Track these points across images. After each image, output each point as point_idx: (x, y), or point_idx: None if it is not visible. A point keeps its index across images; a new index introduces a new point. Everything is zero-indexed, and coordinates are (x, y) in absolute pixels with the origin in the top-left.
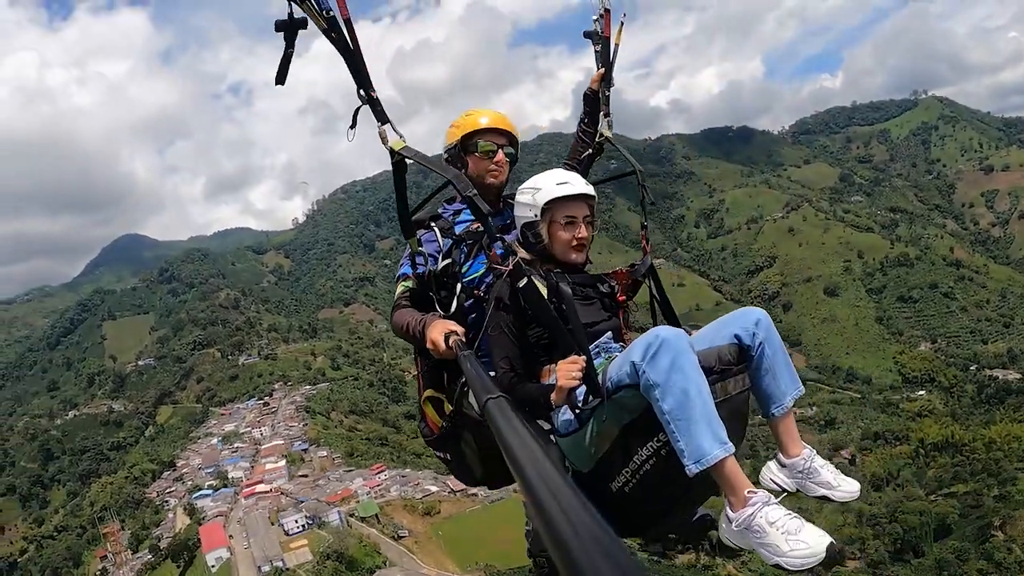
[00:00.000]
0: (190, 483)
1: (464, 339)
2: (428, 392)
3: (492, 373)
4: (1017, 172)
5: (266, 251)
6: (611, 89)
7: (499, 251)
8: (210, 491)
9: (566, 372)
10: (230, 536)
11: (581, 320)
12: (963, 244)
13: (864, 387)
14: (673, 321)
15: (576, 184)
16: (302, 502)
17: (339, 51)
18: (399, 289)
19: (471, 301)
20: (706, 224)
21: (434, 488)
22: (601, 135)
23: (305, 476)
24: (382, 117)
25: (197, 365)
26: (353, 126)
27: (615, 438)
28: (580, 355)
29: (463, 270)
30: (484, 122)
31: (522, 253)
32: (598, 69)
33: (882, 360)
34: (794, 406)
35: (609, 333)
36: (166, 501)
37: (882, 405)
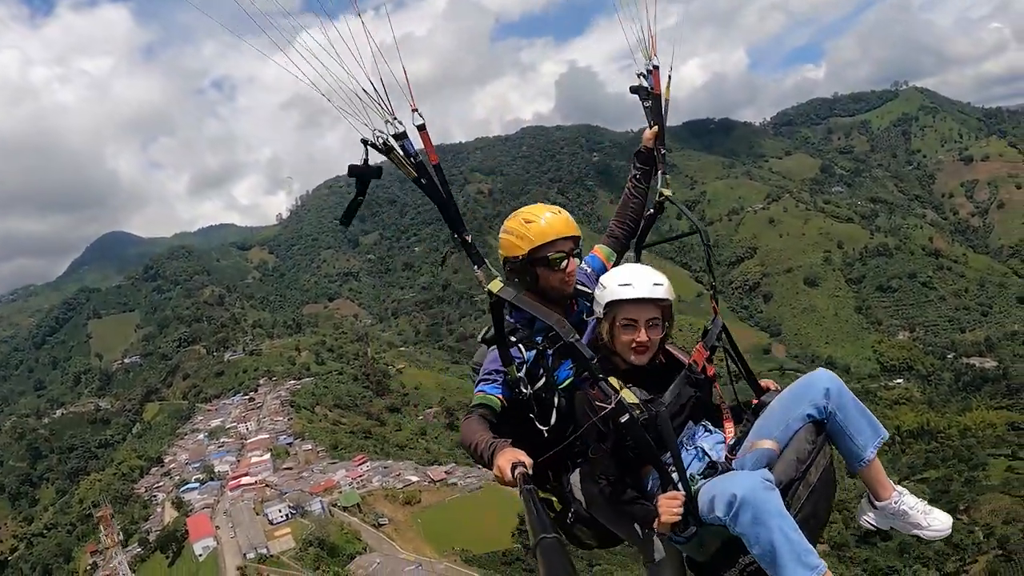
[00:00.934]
0: (177, 478)
1: (530, 471)
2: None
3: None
4: (996, 162)
5: (250, 247)
6: (664, 149)
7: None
8: (197, 484)
9: (667, 508)
10: (216, 527)
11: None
12: (942, 234)
13: (843, 376)
14: (752, 381)
15: (639, 287)
16: (286, 493)
17: (429, 196)
18: (476, 398)
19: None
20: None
21: (415, 478)
22: (660, 194)
23: (290, 468)
24: (477, 260)
25: (183, 362)
26: (362, 185)
27: (717, 547)
28: (679, 491)
29: (556, 378)
30: (552, 231)
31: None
32: (650, 127)
33: (861, 349)
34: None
35: (691, 424)
36: (154, 496)
37: (860, 393)
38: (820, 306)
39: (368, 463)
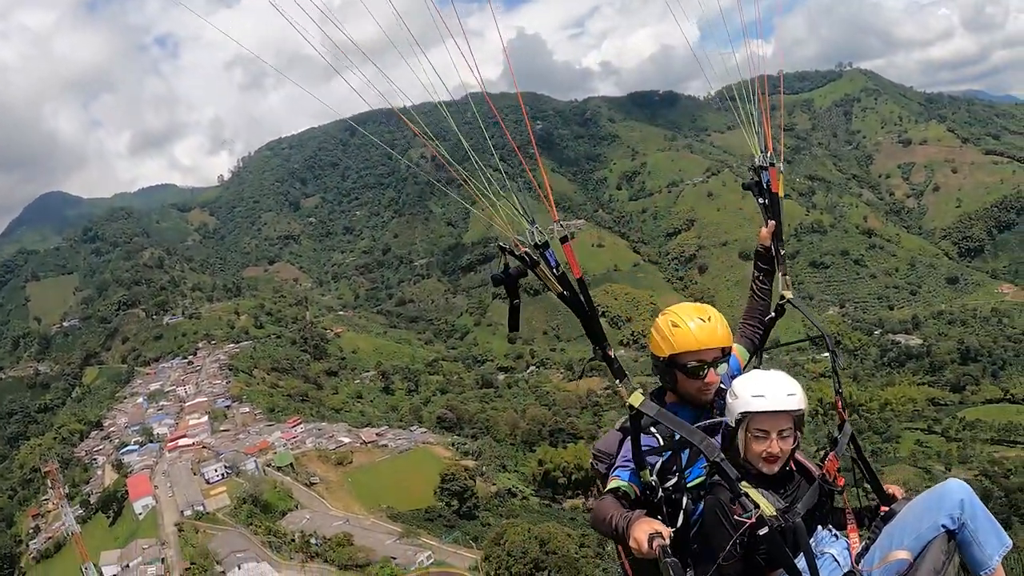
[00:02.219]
0: (117, 441)
1: (668, 542)
2: None
3: None
4: (934, 146)
5: (191, 209)
6: (783, 248)
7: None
8: (136, 447)
9: None
10: (155, 486)
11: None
12: (877, 214)
13: (772, 349)
14: (876, 485)
15: (773, 398)
16: (222, 454)
17: (573, 311)
18: (610, 484)
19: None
20: (628, 186)
21: (347, 439)
22: (782, 297)
23: (227, 431)
24: (619, 374)
25: (122, 325)
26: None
27: None
28: None
29: (688, 476)
30: (694, 341)
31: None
32: (766, 224)
33: (792, 323)
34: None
35: (818, 529)
36: (94, 459)
37: (788, 366)
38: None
39: (302, 425)
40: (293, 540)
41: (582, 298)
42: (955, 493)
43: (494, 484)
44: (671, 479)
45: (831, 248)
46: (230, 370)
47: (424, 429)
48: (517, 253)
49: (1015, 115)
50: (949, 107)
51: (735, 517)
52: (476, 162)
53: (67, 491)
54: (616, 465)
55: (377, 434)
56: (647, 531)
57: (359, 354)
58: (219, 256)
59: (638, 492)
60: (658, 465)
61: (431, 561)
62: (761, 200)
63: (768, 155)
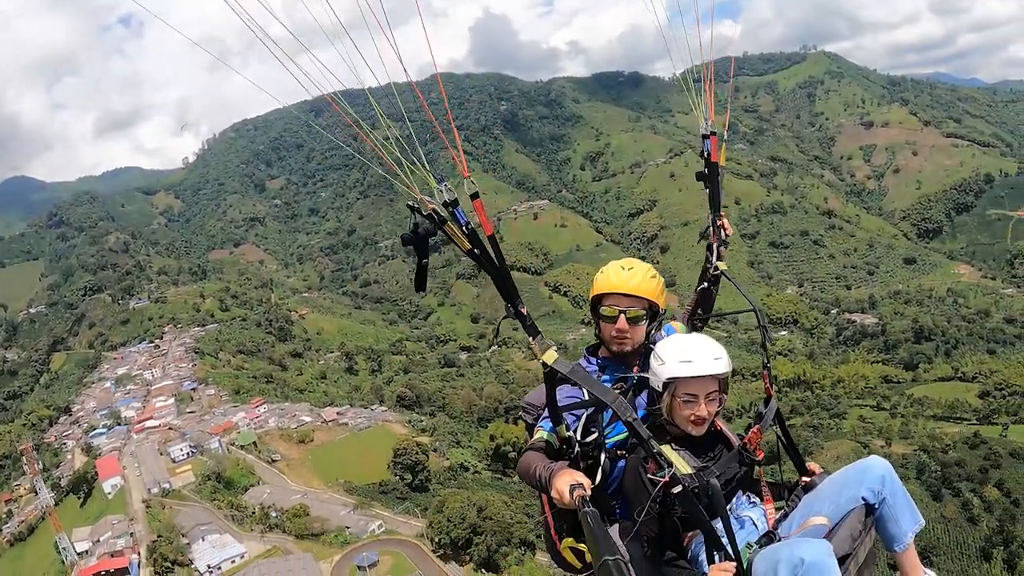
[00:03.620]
0: (86, 425)
1: (589, 493)
2: (569, 542)
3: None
4: (896, 128)
5: (156, 192)
6: (721, 219)
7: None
8: (104, 430)
9: None
10: (124, 467)
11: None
12: (838, 195)
13: (731, 327)
14: (797, 460)
15: (700, 363)
16: (187, 435)
17: (483, 268)
18: (536, 436)
19: (614, 461)
20: (591, 167)
21: (308, 419)
22: (716, 268)
23: (193, 412)
24: (532, 331)
25: (88, 311)
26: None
27: None
28: (731, 560)
29: (607, 433)
30: (609, 285)
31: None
32: (710, 210)
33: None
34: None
35: (738, 494)
36: (64, 444)
37: (746, 344)
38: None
39: (265, 406)
40: (253, 513)
41: (492, 255)
42: (876, 469)
43: (447, 459)
44: (592, 434)
45: (791, 228)
46: (196, 353)
47: (385, 408)
48: (425, 212)
49: (977, 99)
50: (912, 90)
51: (649, 476)
52: (385, 124)
53: (40, 466)
54: (542, 416)
55: (338, 413)
56: (568, 482)
57: (324, 335)
58: (185, 239)
59: (557, 444)
60: (582, 421)
61: (382, 530)
62: (706, 189)
63: (710, 123)
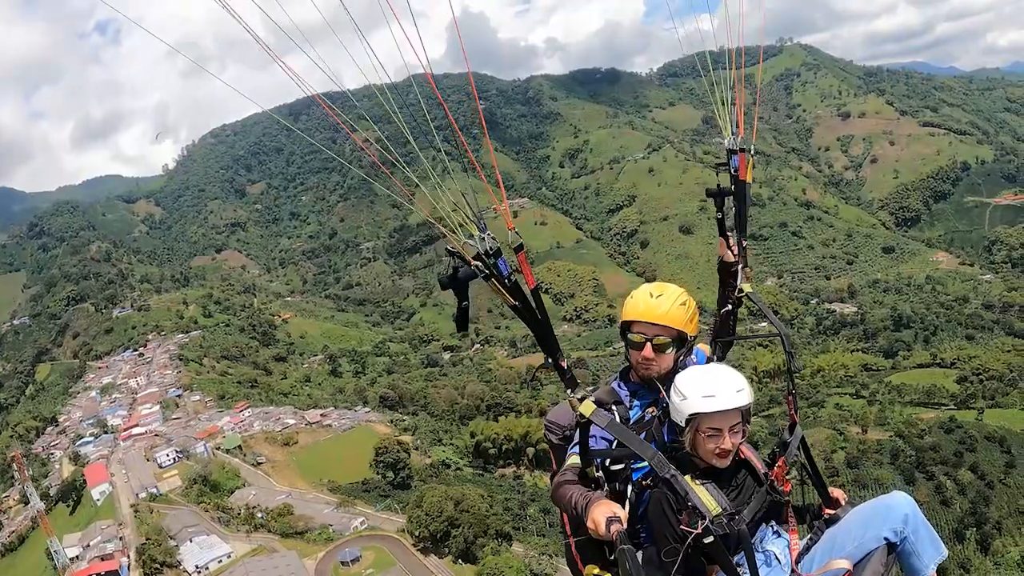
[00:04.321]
0: (73, 435)
1: (625, 527)
2: (593, 569)
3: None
4: (872, 119)
5: (136, 200)
6: (747, 239)
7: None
8: (91, 439)
9: None
10: (111, 473)
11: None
12: (816, 186)
13: (712, 320)
14: (821, 487)
15: (723, 398)
16: (173, 440)
17: (525, 322)
18: (568, 462)
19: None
20: (570, 164)
21: (292, 421)
22: (741, 290)
23: (178, 419)
24: (571, 384)
25: (72, 321)
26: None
27: None
28: None
29: (634, 462)
30: (635, 313)
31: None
32: (724, 237)
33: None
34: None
35: (762, 526)
36: (51, 454)
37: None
38: (694, 252)
39: (250, 410)
40: (239, 514)
41: (535, 308)
42: (900, 508)
43: (429, 456)
44: (619, 467)
45: (770, 220)
46: (180, 360)
47: (368, 409)
48: (469, 263)
49: (953, 87)
50: (888, 80)
51: (682, 527)
52: (425, 162)
53: (30, 472)
54: (574, 442)
55: (321, 415)
56: (606, 514)
57: (307, 339)
58: (166, 247)
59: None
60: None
61: (365, 526)
62: (718, 215)
63: (739, 139)
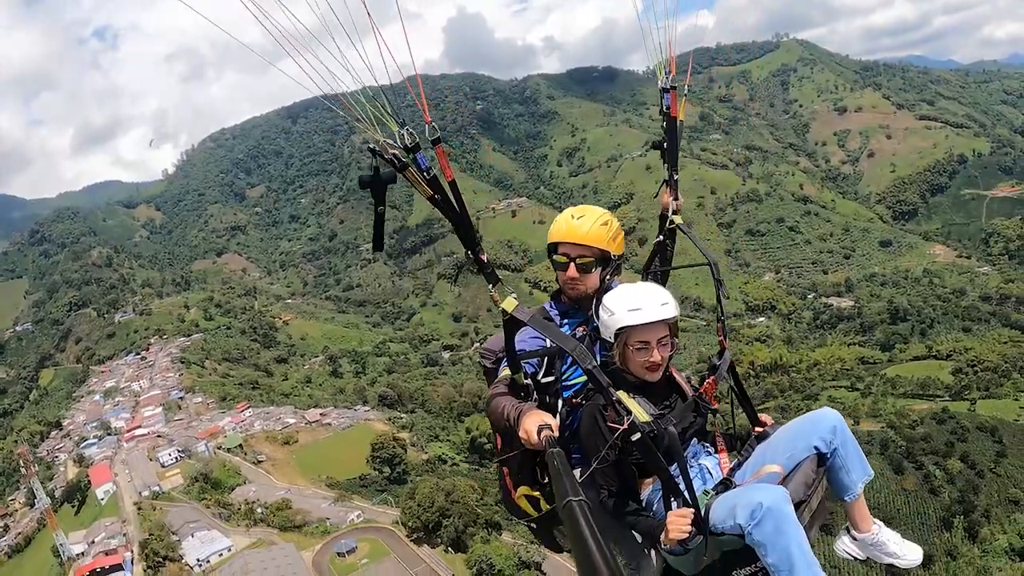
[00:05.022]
0: (77, 438)
1: (556, 434)
2: (524, 490)
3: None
4: (869, 113)
5: (137, 205)
6: (678, 173)
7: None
8: (95, 440)
9: (677, 525)
10: (115, 473)
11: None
12: (813, 181)
13: (710, 315)
14: (750, 411)
15: (649, 310)
16: (175, 441)
17: (444, 214)
18: (500, 375)
19: (571, 409)
20: (568, 163)
21: (292, 421)
22: (671, 222)
23: (180, 420)
24: (492, 278)
25: (74, 326)
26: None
27: (716, 559)
28: (689, 507)
29: (565, 377)
30: (557, 233)
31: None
32: (667, 189)
33: (729, 290)
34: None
35: (694, 442)
36: (56, 457)
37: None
38: (691, 249)
39: (250, 410)
40: (240, 509)
41: (453, 200)
42: (828, 419)
43: (426, 452)
44: (549, 379)
45: (767, 216)
46: (182, 363)
47: (368, 408)
48: (386, 156)
49: (949, 80)
50: (884, 74)
51: (608, 423)
52: (352, 71)
53: (36, 468)
54: (503, 361)
55: (321, 414)
56: (537, 422)
57: (308, 340)
58: (167, 251)
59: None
60: (542, 367)
61: (361, 519)
62: (665, 166)
63: (671, 77)
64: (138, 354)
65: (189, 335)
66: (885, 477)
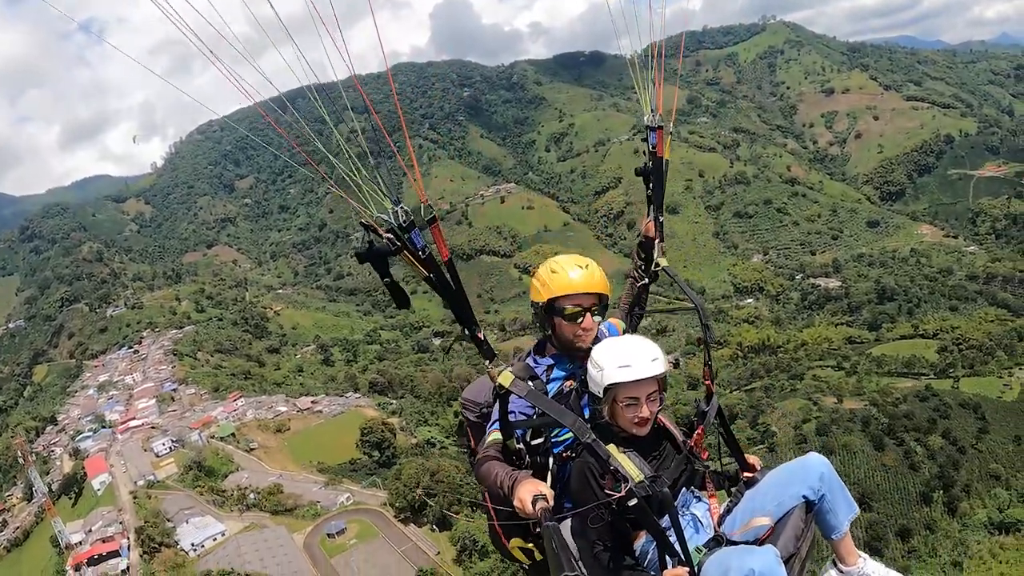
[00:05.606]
0: (72, 432)
1: (551, 504)
2: (517, 542)
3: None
4: (856, 94)
5: (126, 199)
6: (663, 215)
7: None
8: (90, 433)
9: None
10: (111, 464)
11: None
12: (801, 162)
13: (699, 298)
14: (738, 454)
15: (639, 367)
16: (168, 431)
17: (439, 293)
18: (489, 439)
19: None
20: (556, 148)
21: (284, 409)
22: (657, 264)
23: (174, 411)
24: (488, 354)
25: (67, 321)
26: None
27: None
28: (684, 567)
29: (555, 435)
30: (571, 286)
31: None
32: (649, 214)
33: (717, 271)
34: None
35: (683, 491)
36: (52, 451)
37: (713, 313)
38: (680, 232)
39: (243, 399)
40: (233, 495)
41: (449, 279)
42: (816, 467)
43: (415, 436)
44: (539, 440)
45: (755, 198)
46: (175, 355)
47: (359, 395)
48: (381, 234)
49: (936, 61)
50: (871, 55)
51: (605, 491)
52: (339, 140)
53: (34, 458)
54: (494, 419)
55: (312, 402)
56: (532, 492)
57: (299, 330)
58: (157, 244)
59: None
60: (529, 432)
61: (350, 502)
62: (648, 190)
63: (658, 116)
64: (131, 348)
65: (181, 327)
66: (865, 454)
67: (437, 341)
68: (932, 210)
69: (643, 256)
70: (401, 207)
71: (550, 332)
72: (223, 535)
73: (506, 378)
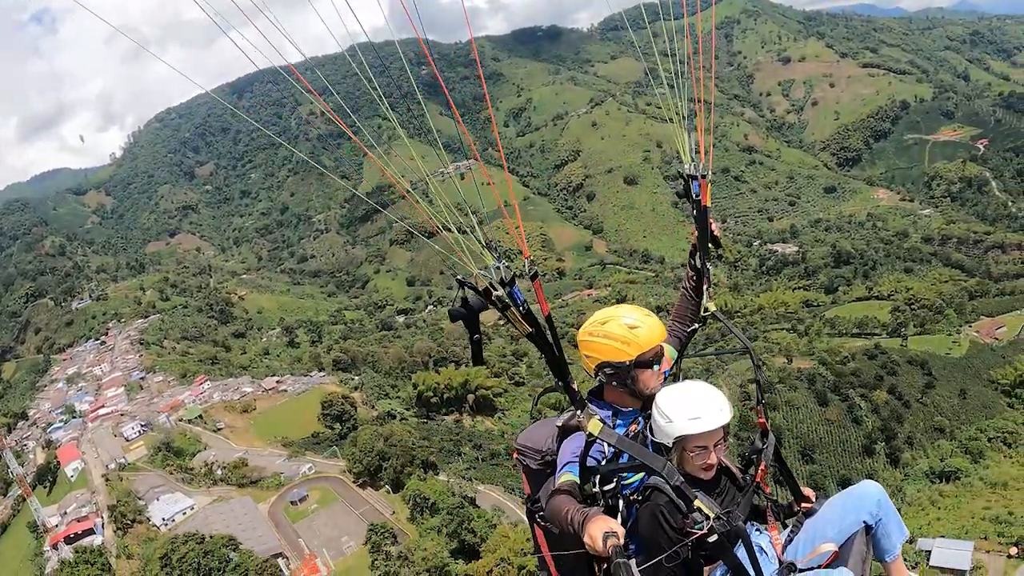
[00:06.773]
0: (44, 424)
1: (622, 542)
2: None
3: None
4: (813, 63)
5: (86, 191)
6: (710, 261)
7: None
8: (61, 424)
9: None
10: (83, 452)
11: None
12: (758, 131)
13: (658, 266)
14: (794, 487)
15: (708, 418)
16: (138, 416)
17: (540, 349)
18: (563, 478)
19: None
20: (515, 123)
21: (250, 390)
22: (706, 309)
23: (143, 398)
24: (579, 404)
25: (33, 317)
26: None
27: None
28: None
29: (624, 479)
30: (655, 338)
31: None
32: (700, 252)
33: (676, 241)
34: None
35: (748, 524)
36: (25, 445)
37: (672, 282)
38: (639, 203)
39: (209, 383)
40: (200, 472)
41: (549, 336)
42: (872, 495)
43: (375, 409)
44: (609, 484)
45: (713, 167)
46: (141, 344)
47: (324, 373)
48: (483, 293)
49: (892, 28)
50: (827, 24)
51: (687, 529)
52: (438, 191)
53: (13, 444)
54: (566, 461)
55: (277, 381)
56: (603, 529)
57: (264, 313)
58: (120, 235)
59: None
60: (598, 476)
61: (312, 471)
62: (693, 211)
63: (700, 165)
64: (98, 339)
65: (146, 317)
66: (809, 409)
67: (400, 319)
68: (888, 175)
69: (694, 269)
70: (504, 263)
71: (633, 387)
72: (192, 508)
73: (595, 426)
